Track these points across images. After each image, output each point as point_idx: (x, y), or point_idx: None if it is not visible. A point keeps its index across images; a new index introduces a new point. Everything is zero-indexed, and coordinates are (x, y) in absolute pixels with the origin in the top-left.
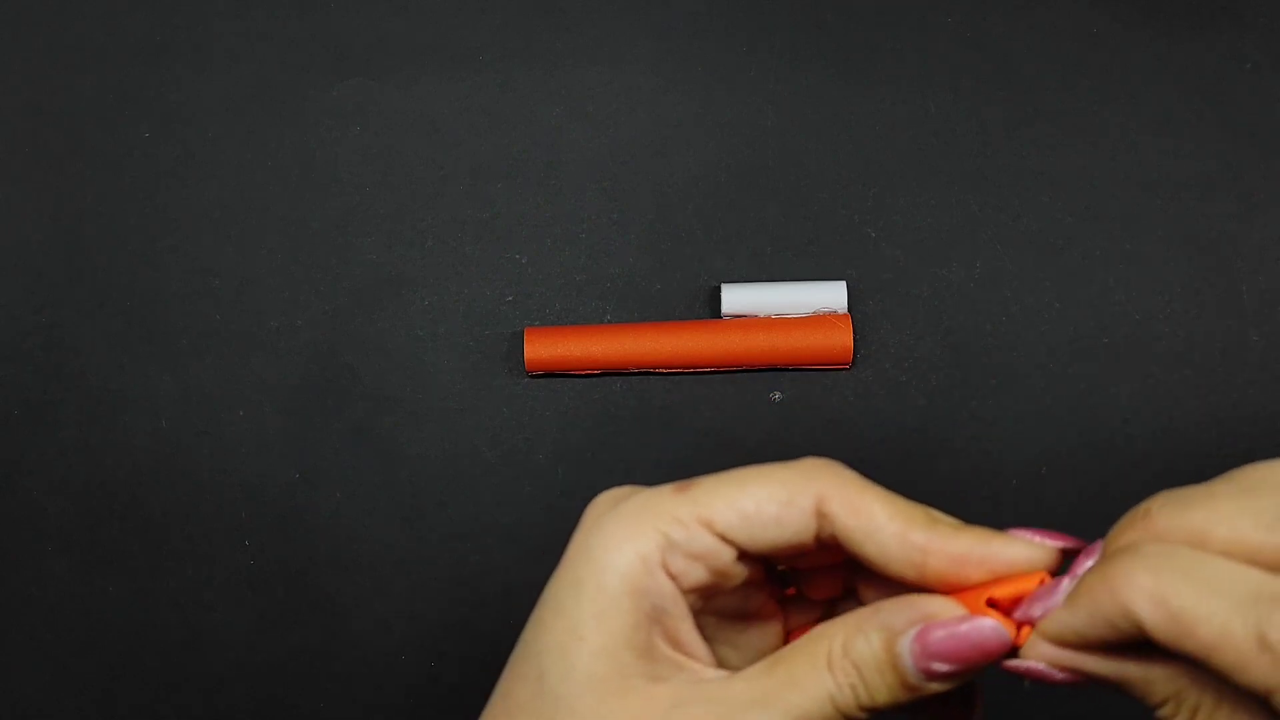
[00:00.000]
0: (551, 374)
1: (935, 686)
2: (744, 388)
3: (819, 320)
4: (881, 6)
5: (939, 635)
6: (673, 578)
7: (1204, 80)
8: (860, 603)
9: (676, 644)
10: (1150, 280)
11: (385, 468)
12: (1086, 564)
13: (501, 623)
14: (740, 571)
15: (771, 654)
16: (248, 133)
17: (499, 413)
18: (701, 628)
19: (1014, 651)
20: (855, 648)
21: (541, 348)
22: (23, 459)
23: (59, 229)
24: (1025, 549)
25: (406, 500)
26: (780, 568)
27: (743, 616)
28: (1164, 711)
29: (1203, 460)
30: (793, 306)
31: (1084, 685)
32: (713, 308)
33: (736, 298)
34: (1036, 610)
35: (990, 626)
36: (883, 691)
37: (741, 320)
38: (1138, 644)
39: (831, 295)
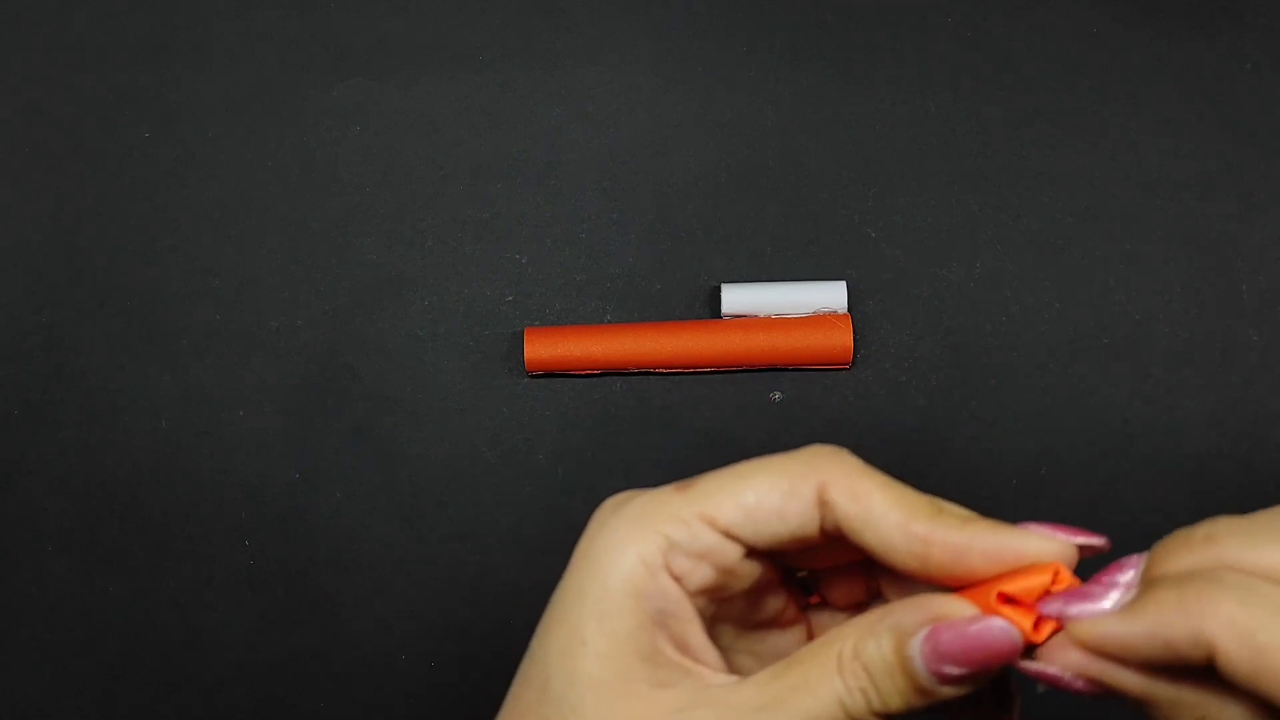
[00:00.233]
0: (551, 374)
1: (949, 691)
2: (744, 388)
3: (819, 320)
4: (881, 6)
5: (948, 636)
6: (677, 579)
7: (1204, 80)
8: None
9: (684, 648)
10: (1150, 280)
11: (385, 468)
12: (1129, 574)
13: (502, 623)
14: (749, 570)
15: (781, 661)
16: (248, 133)
17: (499, 413)
18: (718, 635)
19: (1031, 650)
20: (865, 650)
21: (541, 348)
22: (23, 459)
23: (59, 229)
24: (1040, 543)
25: (406, 500)
26: (800, 574)
27: (763, 624)
28: None
29: (1203, 460)
30: (793, 306)
31: (1101, 696)
32: (713, 308)
33: (736, 298)
34: (1073, 610)
35: (1000, 627)
36: (894, 696)
37: (741, 320)
38: (1179, 666)
39: (831, 295)
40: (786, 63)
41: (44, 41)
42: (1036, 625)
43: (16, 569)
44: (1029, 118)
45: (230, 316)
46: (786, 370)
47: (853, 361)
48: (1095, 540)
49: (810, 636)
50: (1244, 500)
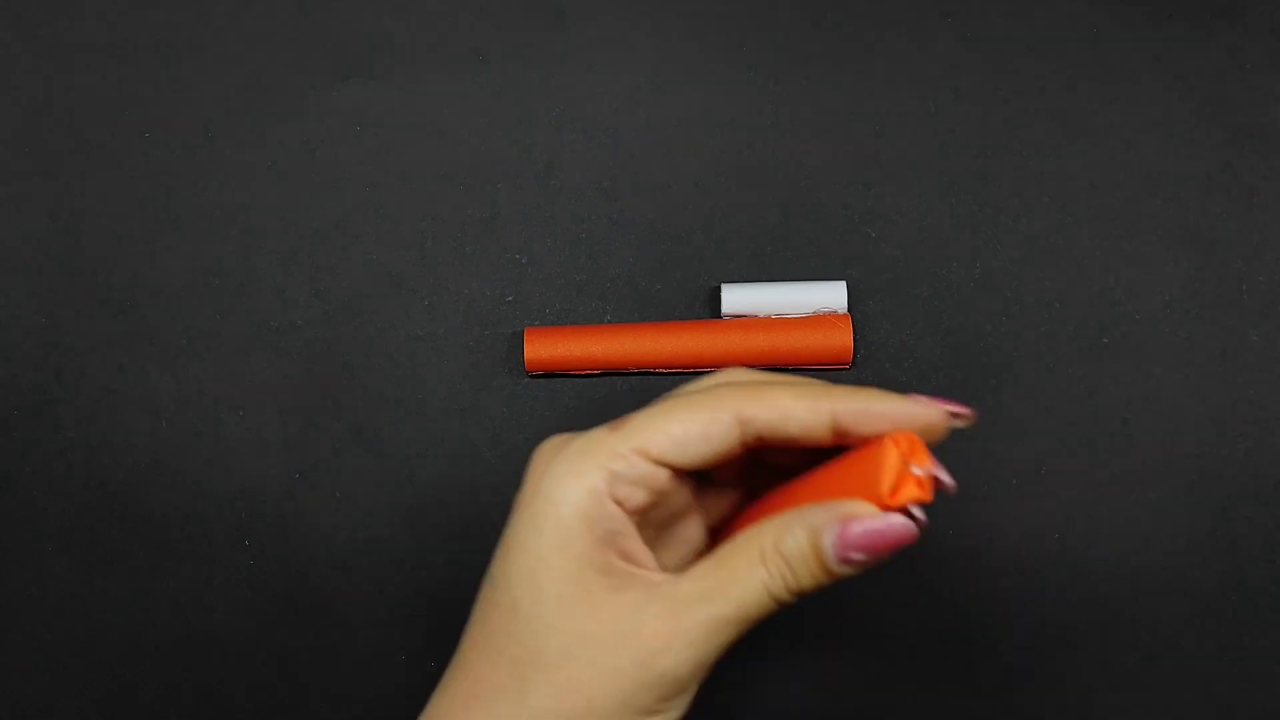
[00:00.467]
0: (551, 374)
1: (849, 571)
2: None
3: (819, 320)
4: (881, 6)
5: (857, 530)
6: (619, 504)
7: (1204, 80)
8: (769, 469)
9: (629, 558)
10: (1150, 280)
11: (385, 468)
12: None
13: None
14: (677, 488)
15: (711, 554)
16: (248, 133)
17: (499, 413)
18: (645, 538)
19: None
20: (785, 544)
21: (541, 348)
22: (23, 459)
23: (59, 229)
24: (921, 407)
25: (406, 500)
26: None
27: (671, 519)
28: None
29: (1203, 460)
30: (793, 306)
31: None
32: (713, 308)
33: (736, 298)
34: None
35: (901, 522)
36: (808, 579)
37: (741, 320)
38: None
39: (831, 295)
40: (786, 63)
41: (44, 41)
42: (900, 487)
43: (16, 569)
44: (1029, 118)
45: (230, 316)
46: (786, 370)
47: (853, 361)
48: (963, 409)
49: (706, 520)
50: (1244, 500)
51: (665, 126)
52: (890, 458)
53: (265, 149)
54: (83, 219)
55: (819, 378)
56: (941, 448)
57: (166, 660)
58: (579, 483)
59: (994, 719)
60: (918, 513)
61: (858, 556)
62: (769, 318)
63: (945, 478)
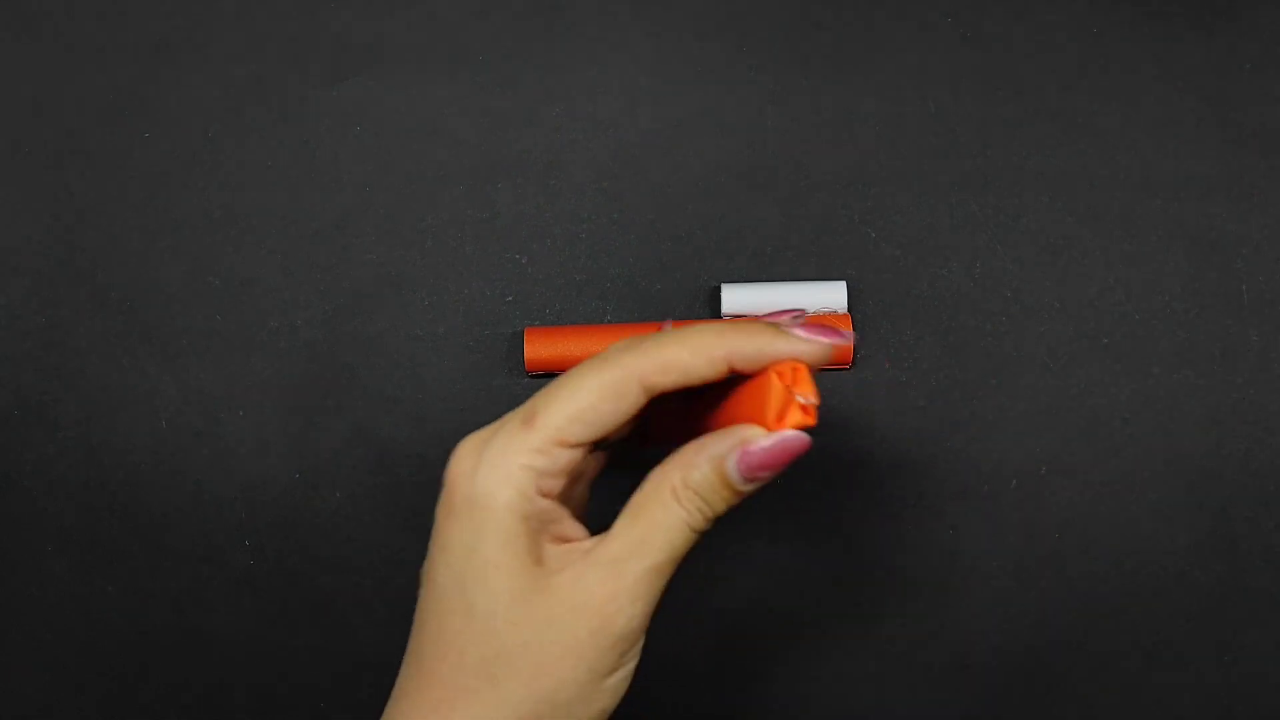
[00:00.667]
0: (551, 374)
1: (754, 487)
2: None
3: (819, 320)
4: (881, 6)
5: (755, 451)
6: (546, 495)
7: (1204, 80)
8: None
9: (562, 537)
10: (1150, 280)
11: (385, 468)
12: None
13: None
14: (592, 459)
15: (627, 507)
16: (248, 133)
17: (499, 413)
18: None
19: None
20: (693, 479)
21: (541, 348)
22: (23, 459)
23: (59, 229)
24: (804, 344)
25: (406, 500)
26: None
27: (576, 482)
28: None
29: (1203, 460)
30: (792, 306)
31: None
32: (713, 308)
33: (736, 298)
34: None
35: (794, 436)
36: (720, 503)
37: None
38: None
39: (831, 295)
40: (786, 63)
41: (44, 41)
42: (785, 414)
43: (16, 569)
44: (1029, 118)
45: (230, 316)
46: None
47: (853, 361)
48: (841, 338)
49: (598, 467)
50: (1244, 500)
51: (665, 126)
52: (775, 389)
53: (265, 149)
54: (83, 219)
55: (819, 378)
56: (942, 448)
57: (166, 660)
58: (508, 487)
59: (994, 719)
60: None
61: (762, 474)
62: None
63: (814, 399)
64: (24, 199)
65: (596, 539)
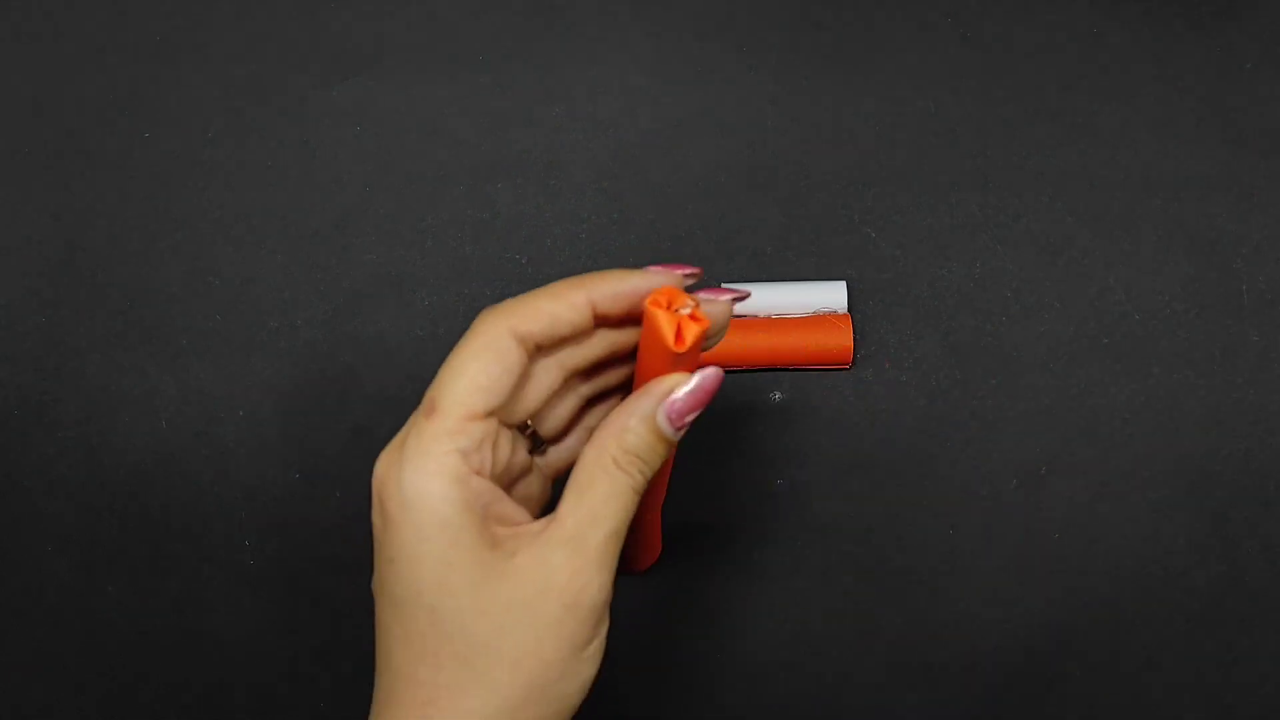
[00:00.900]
0: None
1: (683, 434)
2: (744, 388)
3: (819, 320)
4: (881, 6)
5: (680, 397)
6: (479, 473)
7: (1204, 80)
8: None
9: (506, 520)
10: (1150, 280)
11: None
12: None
13: None
14: (513, 446)
15: (570, 485)
16: (248, 133)
17: None
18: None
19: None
20: (628, 442)
21: None
22: (23, 459)
23: (59, 229)
24: (662, 277)
25: None
26: None
27: (515, 480)
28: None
29: (1203, 460)
30: (793, 306)
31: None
32: None
33: None
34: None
35: (711, 372)
36: (656, 459)
37: (742, 320)
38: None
39: (831, 295)
40: (786, 63)
41: (44, 41)
42: (681, 330)
43: (16, 569)
44: (1029, 118)
45: (230, 316)
46: (786, 370)
47: (853, 361)
48: (693, 270)
49: (543, 474)
50: (1244, 500)
51: (665, 126)
52: (660, 317)
53: (265, 149)
54: (83, 219)
55: (819, 378)
56: (942, 448)
57: (166, 660)
58: (439, 478)
59: (994, 719)
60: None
61: (689, 418)
62: (769, 318)
63: (715, 296)
64: (24, 199)
65: (545, 520)
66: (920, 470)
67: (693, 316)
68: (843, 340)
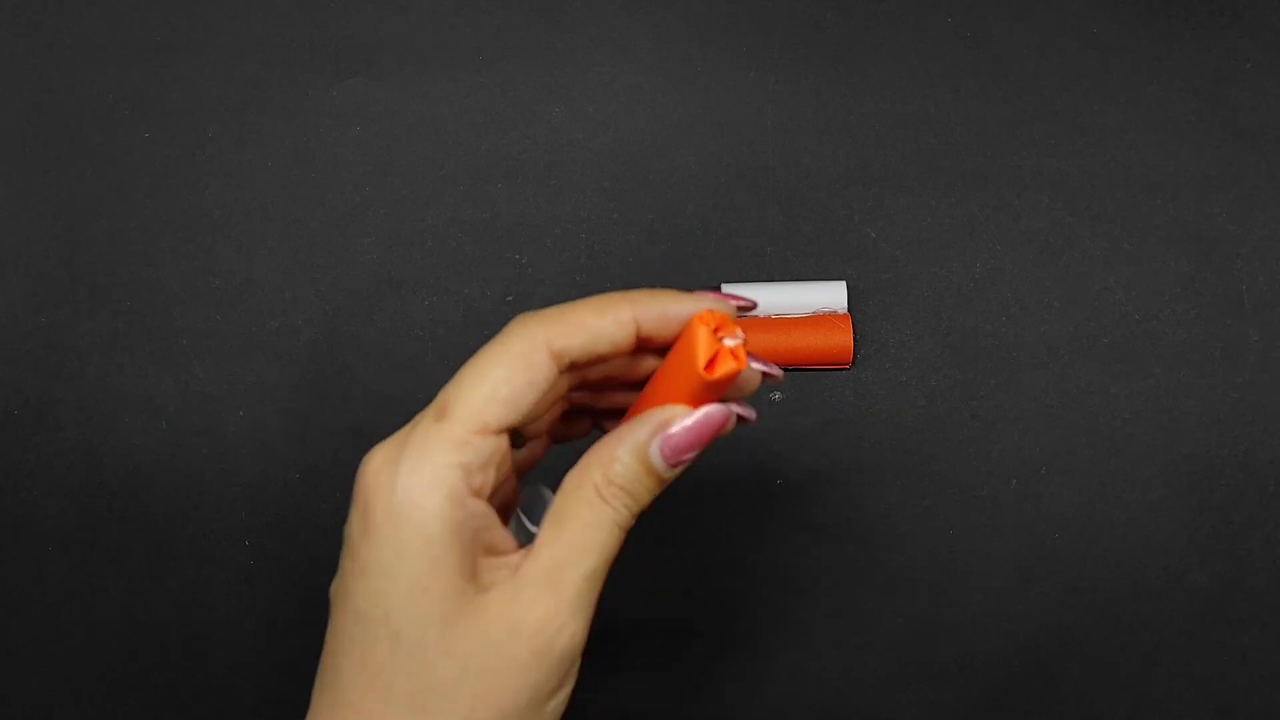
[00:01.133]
0: None
1: (679, 472)
2: None
3: (819, 320)
4: (881, 6)
5: (678, 432)
6: (477, 494)
7: (1204, 80)
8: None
9: (493, 550)
10: (1150, 280)
11: None
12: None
13: None
14: (516, 453)
15: (549, 513)
16: (248, 133)
17: None
18: None
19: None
20: (615, 473)
21: None
22: (23, 459)
23: (59, 229)
24: (710, 301)
25: None
26: None
27: (499, 488)
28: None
29: (1203, 460)
30: (793, 306)
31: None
32: None
33: None
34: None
35: (717, 410)
36: (645, 495)
37: (742, 320)
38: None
39: (831, 295)
40: (786, 63)
41: (44, 41)
42: (716, 360)
43: (16, 569)
44: (1029, 118)
45: (230, 316)
46: (786, 370)
47: (853, 361)
48: (747, 302)
49: (531, 459)
50: (1244, 500)
51: (665, 126)
52: (701, 335)
53: (265, 149)
54: (83, 219)
55: (819, 378)
56: (942, 448)
57: (167, 660)
58: (435, 492)
59: (994, 719)
60: (746, 412)
61: (687, 456)
62: (769, 318)
63: (761, 366)
64: (24, 199)
65: (523, 551)
66: (920, 470)
67: (734, 353)
68: (843, 340)
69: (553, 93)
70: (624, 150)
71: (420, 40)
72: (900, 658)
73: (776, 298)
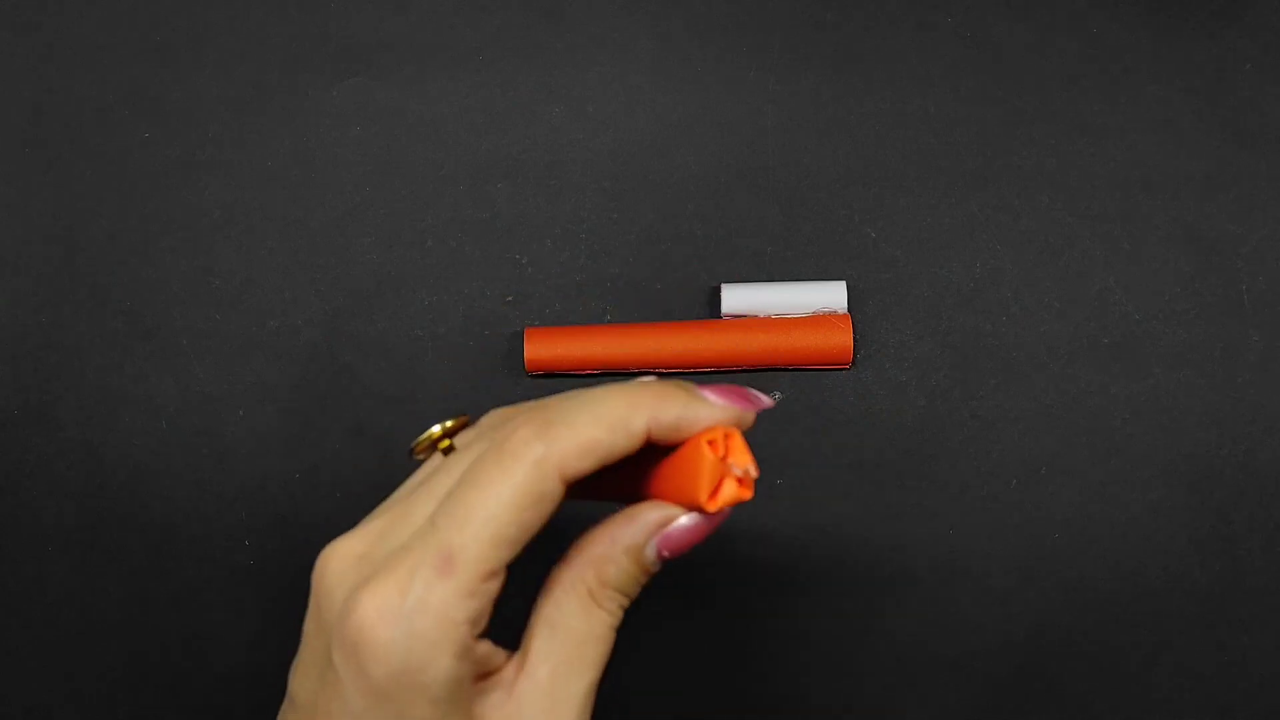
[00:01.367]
0: (551, 374)
1: (663, 564)
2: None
3: (819, 320)
4: (881, 6)
5: (677, 535)
6: (480, 635)
7: (1204, 80)
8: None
9: (484, 663)
10: (1150, 280)
11: (385, 468)
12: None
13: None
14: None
15: (539, 620)
16: (248, 133)
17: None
18: None
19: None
20: (609, 575)
21: (541, 348)
22: (23, 459)
23: (59, 229)
24: (731, 412)
25: None
26: None
27: None
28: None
29: (1203, 460)
30: (793, 306)
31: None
32: (713, 308)
33: (736, 298)
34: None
35: (717, 512)
36: (637, 590)
37: (741, 320)
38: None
39: (831, 295)
40: (786, 63)
41: (44, 41)
42: (720, 490)
43: (16, 569)
44: (1029, 118)
45: (230, 316)
46: (786, 370)
47: (853, 361)
48: (767, 401)
49: None
50: (1244, 500)
51: (665, 126)
52: (707, 461)
53: (265, 149)
54: (83, 219)
55: (819, 378)
56: (942, 448)
57: (166, 660)
58: (446, 653)
59: (994, 719)
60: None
61: (682, 551)
62: (769, 318)
63: (754, 471)
64: (24, 199)
65: (514, 663)
66: (920, 470)
67: (740, 481)
68: (843, 340)
69: (553, 93)
70: (624, 150)
71: (420, 40)
72: (900, 658)
73: (776, 298)
